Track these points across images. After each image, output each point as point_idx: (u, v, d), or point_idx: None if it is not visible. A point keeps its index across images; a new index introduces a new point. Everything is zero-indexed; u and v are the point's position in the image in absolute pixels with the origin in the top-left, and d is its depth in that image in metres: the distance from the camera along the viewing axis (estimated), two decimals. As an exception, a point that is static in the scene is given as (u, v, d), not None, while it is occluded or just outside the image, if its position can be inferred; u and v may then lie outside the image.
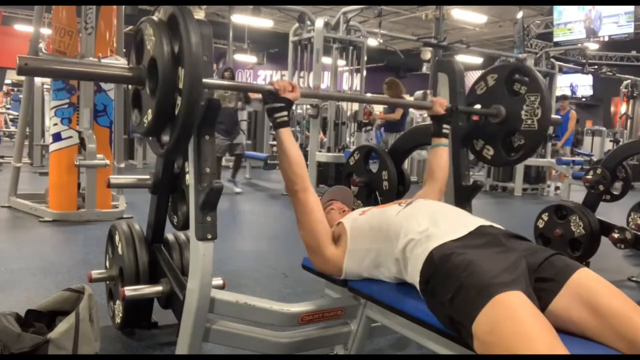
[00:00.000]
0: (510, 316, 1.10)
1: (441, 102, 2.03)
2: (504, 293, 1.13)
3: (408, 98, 7.33)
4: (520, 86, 2.05)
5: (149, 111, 1.33)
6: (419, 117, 11.72)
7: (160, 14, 1.37)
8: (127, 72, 1.41)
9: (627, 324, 1.16)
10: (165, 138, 1.36)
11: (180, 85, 1.24)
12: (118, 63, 4.34)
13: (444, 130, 2.03)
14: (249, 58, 16.28)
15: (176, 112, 1.27)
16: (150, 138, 1.51)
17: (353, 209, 1.85)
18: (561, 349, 1.05)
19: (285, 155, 1.61)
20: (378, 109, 17.57)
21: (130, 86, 1.50)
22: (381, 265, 1.49)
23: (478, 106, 2.22)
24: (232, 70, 6.33)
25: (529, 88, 2.01)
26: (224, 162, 9.52)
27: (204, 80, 1.35)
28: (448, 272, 1.25)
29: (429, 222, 1.42)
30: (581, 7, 10.28)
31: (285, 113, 1.62)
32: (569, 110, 8.63)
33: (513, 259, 1.26)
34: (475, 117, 2.26)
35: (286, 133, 1.62)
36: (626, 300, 1.21)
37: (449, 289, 1.23)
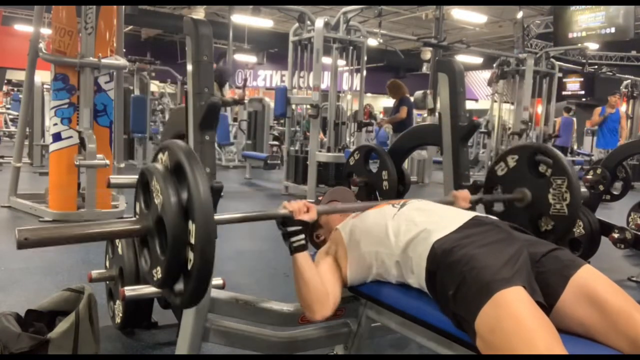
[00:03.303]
0: (511, 316, 1.10)
1: (464, 197, 1.87)
2: (505, 290, 1.13)
3: (410, 98, 7.33)
4: (545, 168, 1.94)
5: (159, 267, 1.24)
6: (419, 117, 11.74)
7: (165, 158, 1.27)
8: (134, 226, 1.30)
9: (629, 321, 1.17)
10: (179, 287, 1.25)
11: (192, 241, 1.16)
12: (117, 63, 4.34)
13: None
14: (249, 58, 16.29)
15: (189, 267, 1.18)
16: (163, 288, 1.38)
17: None
18: (559, 350, 1.05)
19: (303, 282, 1.48)
20: (378, 109, 17.49)
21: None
22: (381, 269, 1.49)
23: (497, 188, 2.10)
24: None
25: (554, 170, 1.90)
26: (224, 163, 9.55)
27: (216, 217, 1.27)
28: (450, 266, 1.26)
29: (426, 220, 1.43)
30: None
31: (302, 236, 1.49)
32: (617, 108, 8.18)
33: (515, 248, 1.27)
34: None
35: (304, 258, 1.48)
36: (627, 298, 1.22)
37: (452, 283, 1.23)
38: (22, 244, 1.15)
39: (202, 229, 1.14)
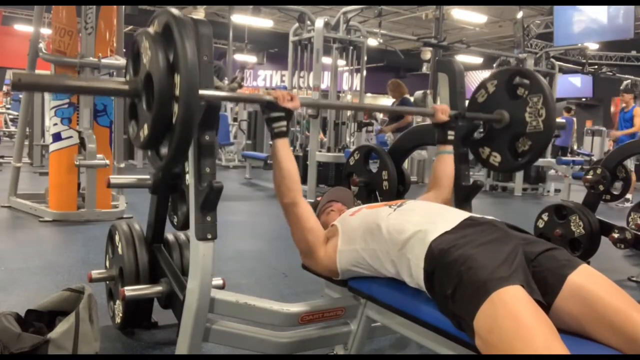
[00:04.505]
0: (509, 314, 1.10)
1: (443, 109, 1.97)
2: (502, 289, 1.13)
3: (410, 98, 7.33)
4: (523, 90, 2.00)
5: (145, 125, 1.30)
6: (419, 118, 11.73)
7: (155, 26, 1.35)
8: (123, 86, 1.40)
9: (626, 320, 1.17)
10: (164, 150, 1.32)
11: (177, 92, 1.23)
12: (117, 63, 4.35)
13: (449, 137, 1.98)
14: (249, 58, 16.29)
15: (174, 120, 1.25)
16: (149, 152, 1.47)
17: None
18: (559, 347, 1.05)
19: (279, 166, 1.61)
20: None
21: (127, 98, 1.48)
22: (377, 264, 1.50)
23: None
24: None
25: (531, 90, 1.97)
26: (224, 163, 9.55)
27: (201, 92, 1.33)
28: (448, 266, 1.26)
29: (421, 220, 1.44)
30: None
31: (284, 123, 1.61)
32: (633, 105, 7.91)
33: (510, 247, 1.27)
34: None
35: (283, 143, 1.62)
36: (626, 297, 1.22)
37: (450, 283, 1.24)
38: (16, 85, 1.22)
39: (186, 78, 1.19)
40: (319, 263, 1.65)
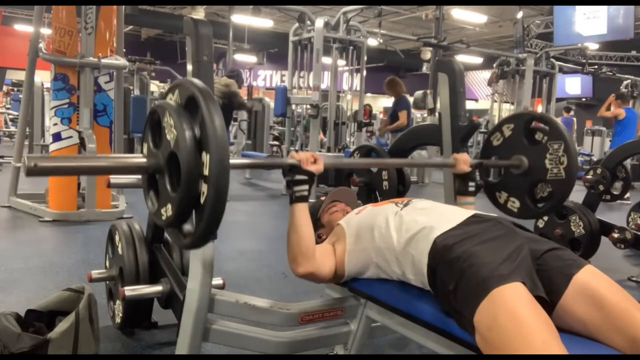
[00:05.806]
0: (508, 312, 1.11)
1: (465, 160, 1.90)
2: (502, 286, 1.14)
3: (408, 97, 7.32)
4: (542, 135, 1.94)
5: (169, 205, 1.21)
6: (419, 117, 11.75)
7: (175, 96, 1.25)
8: (143, 163, 1.29)
9: (630, 320, 1.18)
10: (188, 227, 1.23)
11: (206, 172, 1.14)
12: (117, 63, 4.34)
13: (470, 189, 1.91)
14: (249, 58, 16.30)
15: (202, 200, 1.16)
16: (170, 229, 1.34)
17: None
18: (557, 347, 1.06)
19: (297, 233, 1.51)
20: (378, 108, 17.49)
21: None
22: (382, 264, 1.50)
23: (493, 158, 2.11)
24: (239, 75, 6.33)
25: (551, 136, 1.91)
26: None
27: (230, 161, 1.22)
28: (451, 262, 1.27)
29: (427, 217, 1.44)
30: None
31: (306, 187, 1.51)
32: (627, 108, 7.97)
33: (515, 245, 1.28)
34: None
35: (303, 208, 1.52)
36: (629, 298, 1.23)
37: (452, 279, 1.24)
38: (31, 170, 1.12)
39: (216, 158, 1.12)
40: (332, 278, 1.63)
